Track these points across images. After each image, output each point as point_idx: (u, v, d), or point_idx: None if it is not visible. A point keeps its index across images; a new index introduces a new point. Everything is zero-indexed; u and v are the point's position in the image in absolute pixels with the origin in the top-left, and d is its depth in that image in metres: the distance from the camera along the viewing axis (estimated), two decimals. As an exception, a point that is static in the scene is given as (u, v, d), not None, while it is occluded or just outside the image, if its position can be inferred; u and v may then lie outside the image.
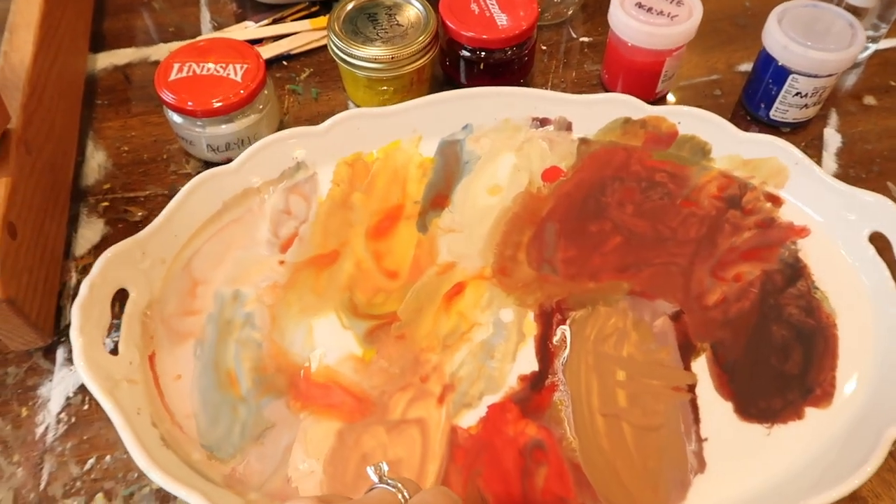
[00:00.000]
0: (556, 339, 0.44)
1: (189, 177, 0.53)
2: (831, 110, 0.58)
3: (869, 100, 0.59)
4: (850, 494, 0.39)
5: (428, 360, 0.44)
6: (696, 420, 0.41)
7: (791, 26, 0.52)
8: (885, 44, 0.62)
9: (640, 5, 0.53)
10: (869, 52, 0.61)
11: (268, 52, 0.60)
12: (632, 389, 0.42)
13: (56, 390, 0.43)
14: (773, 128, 0.56)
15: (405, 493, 0.32)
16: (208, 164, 0.54)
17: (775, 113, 0.55)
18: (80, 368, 0.39)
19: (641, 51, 0.54)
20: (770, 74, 0.53)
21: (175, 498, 0.40)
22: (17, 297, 0.41)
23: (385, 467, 0.34)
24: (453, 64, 0.57)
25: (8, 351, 0.45)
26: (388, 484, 0.33)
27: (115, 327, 0.44)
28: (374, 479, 0.34)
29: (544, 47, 0.63)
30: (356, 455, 0.40)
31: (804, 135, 0.56)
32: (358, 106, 0.57)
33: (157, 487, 0.40)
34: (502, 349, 0.44)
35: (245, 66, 0.51)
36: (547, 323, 0.45)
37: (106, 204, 0.52)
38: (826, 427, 0.41)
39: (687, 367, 0.43)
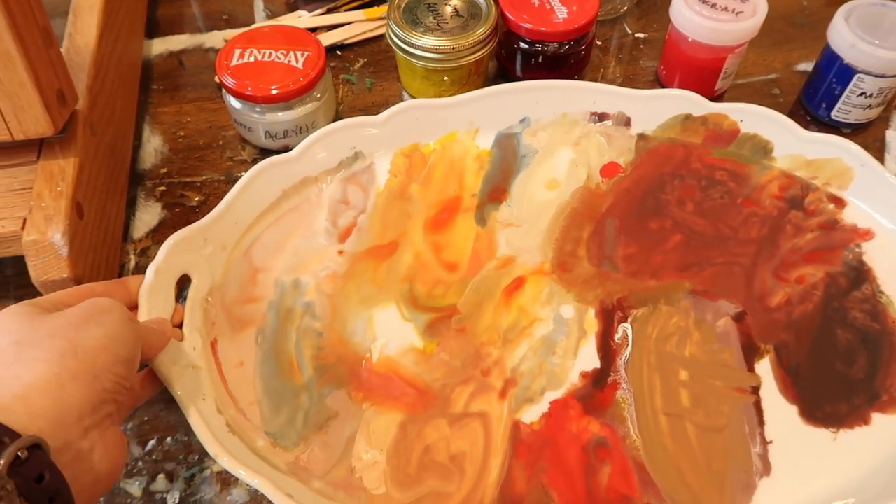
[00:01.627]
0: (617, 336, 0.44)
1: (245, 163, 0.54)
2: (894, 112, 0.57)
3: (931, 102, 0.58)
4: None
5: (489, 354, 0.43)
6: (761, 422, 0.41)
7: (858, 24, 0.51)
8: (947, 46, 0.61)
9: (703, 0, 0.52)
10: (932, 53, 0.60)
11: (323, 41, 0.60)
12: (695, 389, 0.42)
13: (118, 373, 0.44)
14: (834, 128, 0.55)
15: None
16: (264, 151, 0.54)
17: (837, 113, 0.54)
18: (147, 353, 0.40)
19: (703, 47, 0.53)
20: (834, 73, 0.53)
21: (235, 482, 0.40)
22: (83, 277, 0.41)
23: None
24: (510, 56, 0.57)
25: (70, 332, 0.45)
26: None
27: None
28: None
29: (599, 42, 0.62)
30: (419, 446, 0.40)
31: (865, 136, 0.55)
32: (413, 97, 0.57)
33: (218, 470, 0.40)
34: (563, 345, 0.44)
35: (306, 53, 0.51)
36: (608, 320, 0.45)
37: (163, 188, 0.52)
38: (894, 433, 0.40)
39: (750, 369, 0.43)
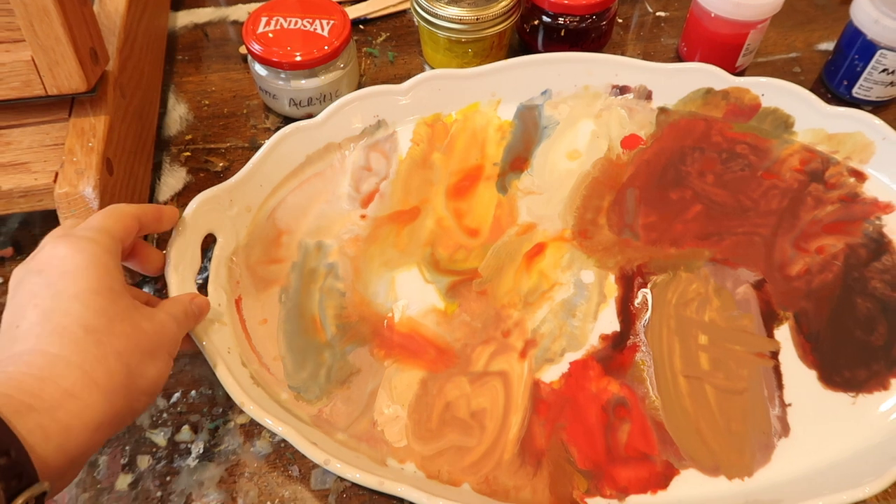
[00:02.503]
0: (637, 301, 0.44)
1: (269, 131, 0.54)
2: (914, 91, 0.57)
3: (953, 82, 0.58)
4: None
5: (509, 316, 0.44)
6: (780, 386, 0.41)
7: (882, 0, 0.51)
8: (969, 27, 0.61)
9: (727, -24, 0.53)
10: (954, 34, 0.60)
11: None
12: (714, 353, 0.42)
13: (144, 328, 0.44)
14: (855, 106, 0.55)
15: None
16: (288, 120, 0.54)
17: (858, 90, 0.54)
18: (174, 305, 0.40)
19: (726, 22, 0.53)
20: (856, 50, 0.53)
21: (258, 434, 0.41)
22: (115, 233, 0.41)
23: None
24: (532, 31, 0.57)
25: (97, 288, 0.46)
26: None
27: (200, 271, 0.45)
28: None
29: (620, 20, 0.62)
30: (440, 403, 0.41)
31: (886, 114, 0.55)
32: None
33: (242, 423, 0.41)
34: (583, 309, 0.44)
35: (331, 21, 0.52)
36: (628, 286, 0.45)
37: (188, 154, 0.53)
38: (914, 399, 0.41)
39: (770, 335, 0.43)
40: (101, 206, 0.41)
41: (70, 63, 0.40)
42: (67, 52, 0.40)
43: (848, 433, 0.39)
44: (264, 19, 0.52)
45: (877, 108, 0.56)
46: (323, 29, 0.51)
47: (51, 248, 0.33)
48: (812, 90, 0.57)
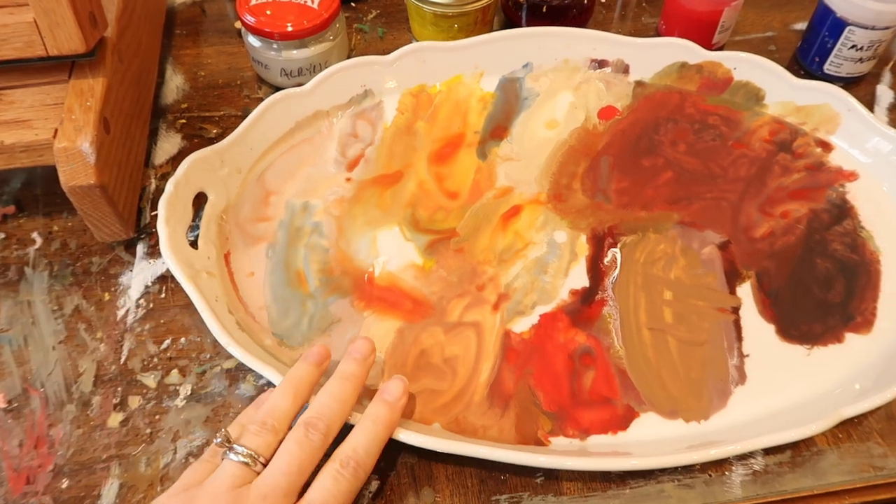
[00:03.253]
0: (606, 259, 0.47)
1: (261, 101, 0.56)
2: (885, 69, 0.59)
3: (924, 61, 0.60)
4: (889, 414, 0.41)
5: (484, 272, 0.46)
6: (739, 338, 0.43)
7: (851, -21, 0.53)
8: (942, 9, 0.63)
9: (702, -46, 0.55)
10: (926, 15, 0.62)
11: (338, -9, 0.63)
12: (678, 308, 0.44)
13: (136, 279, 0.47)
14: (827, 83, 0.57)
15: (261, 460, 0.34)
16: (280, 90, 0.56)
17: (829, 67, 0.56)
18: (165, 254, 0.43)
19: (702, 0, 0.55)
20: (827, 27, 0.55)
21: (243, 378, 0.43)
22: (109, 186, 0.44)
23: (228, 434, 0.35)
24: (516, 7, 0.60)
25: (93, 242, 0.48)
26: (239, 456, 0.34)
27: (192, 229, 0.47)
28: (221, 451, 0.35)
29: (603, 0, 0.64)
30: (415, 350, 0.43)
31: (856, 90, 0.57)
32: (422, 44, 0.60)
33: (227, 367, 0.43)
34: (555, 266, 0.46)
35: (321, -5, 0.54)
36: (598, 245, 0.47)
37: (183, 121, 0.55)
38: (865, 350, 0.43)
39: (732, 292, 0.45)
40: (98, 161, 0.43)
41: (70, 25, 0.43)
42: (67, 15, 0.42)
43: (801, 382, 0.41)
44: (257, -8, 0.54)
45: (847, 83, 0.57)
46: (313, 2, 0.54)
47: None
48: (787, 68, 0.59)
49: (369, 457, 0.35)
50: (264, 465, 0.34)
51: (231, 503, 0.32)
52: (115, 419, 0.41)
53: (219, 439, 0.35)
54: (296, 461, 0.34)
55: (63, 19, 0.42)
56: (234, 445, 0.34)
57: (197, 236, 0.46)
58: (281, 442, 0.35)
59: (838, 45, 0.55)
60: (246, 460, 0.34)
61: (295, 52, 0.54)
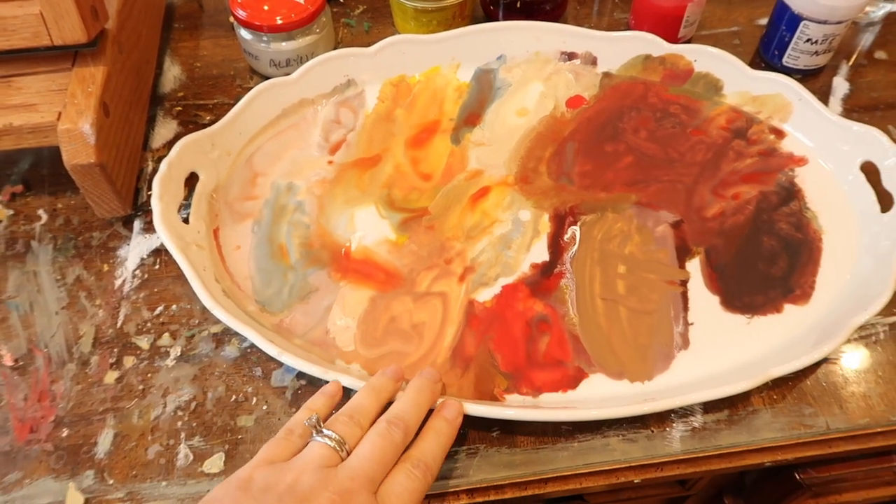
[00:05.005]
0: (566, 236, 0.50)
1: (252, 90, 0.60)
2: (843, 62, 0.62)
3: (880, 54, 0.63)
4: (822, 378, 0.44)
5: (452, 247, 0.50)
6: (686, 308, 0.47)
7: (805, -23, 0.56)
8: (901, 5, 0.66)
9: (666, -47, 0.58)
10: (884, 11, 0.65)
11: (327, -12, 0.67)
12: (630, 281, 0.48)
13: (133, 252, 0.51)
14: (786, 74, 0.60)
15: (346, 446, 0.36)
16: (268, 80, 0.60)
17: (788, 59, 0.60)
18: (158, 227, 0.47)
19: (666, -4, 0.59)
20: (784, 22, 0.58)
21: (228, 341, 0.47)
22: (108, 165, 0.48)
23: (317, 420, 0.38)
24: (493, 3, 0.63)
25: (94, 219, 0.52)
26: (326, 438, 0.36)
27: (184, 207, 0.51)
28: (312, 431, 0.37)
29: (578, -4, 0.68)
30: (386, 317, 0.47)
31: (814, 82, 0.61)
32: (405, 37, 0.63)
33: (214, 332, 0.47)
34: (518, 242, 0.50)
35: (308, -10, 0.58)
36: (560, 223, 0.51)
37: (179, 108, 0.59)
38: (801, 320, 0.46)
39: (681, 266, 0.49)
40: (98, 141, 0.47)
41: (73, 17, 0.47)
42: (71, 8, 0.46)
43: (740, 348, 0.45)
44: (248, -12, 0.58)
45: (806, 76, 0.61)
46: (300, -3, 0.57)
47: None
48: (750, 61, 0.63)
49: (436, 463, 0.37)
50: (348, 454, 0.36)
51: (320, 480, 0.34)
52: (111, 377, 0.45)
53: (310, 421, 0.37)
54: (379, 451, 0.35)
55: (67, 12, 0.46)
56: (325, 430, 0.36)
57: (189, 213, 0.50)
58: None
59: (795, 39, 0.58)
60: (334, 445, 0.35)
61: (283, 44, 0.58)
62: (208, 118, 0.59)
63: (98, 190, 0.49)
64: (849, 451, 0.43)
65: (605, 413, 0.41)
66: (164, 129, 0.58)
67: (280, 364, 0.45)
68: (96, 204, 0.50)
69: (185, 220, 0.50)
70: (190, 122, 0.59)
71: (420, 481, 0.36)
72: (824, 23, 0.56)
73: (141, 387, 0.45)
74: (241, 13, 0.57)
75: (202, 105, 0.60)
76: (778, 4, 0.59)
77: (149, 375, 0.45)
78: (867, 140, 0.51)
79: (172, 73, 0.62)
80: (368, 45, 0.64)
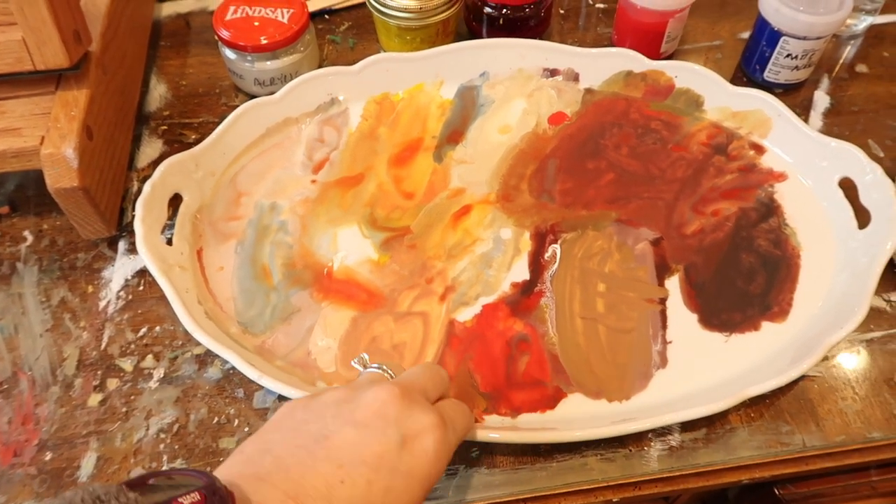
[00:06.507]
0: (547, 254, 0.51)
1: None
2: (824, 76, 0.62)
3: (861, 68, 0.63)
4: (799, 396, 0.45)
5: (434, 266, 0.50)
6: (664, 326, 0.47)
7: (786, -8, 0.57)
8: (882, 18, 0.66)
9: (647, -30, 0.58)
10: (865, 24, 0.65)
11: (312, 5, 0.67)
12: (610, 299, 0.48)
13: (117, 273, 0.51)
14: (767, 89, 0.60)
15: (390, 372, 0.39)
16: (255, 98, 0.61)
17: (769, 74, 0.60)
18: (141, 250, 0.47)
19: (647, 12, 0.59)
20: (765, 37, 0.58)
21: (211, 362, 0.47)
22: (91, 188, 0.48)
23: (366, 357, 0.40)
24: (477, 20, 0.64)
25: (79, 240, 0.53)
26: (374, 368, 0.39)
27: (168, 227, 0.51)
28: (360, 368, 0.40)
29: (562, 11, 0.68)
30: (367, 337, 0.47)
31: (795, 96, 0.61)
32: (389, 54, 0.64)
33: (197, 353, 0.48)
34: (499, 260, 0.50)
35: (291, 10, 0.58)
36: (540, 241, 0.51)
37: (165, 127, 0.60)
38: (778, 337, 0.46)
39: (661, 284, 0.49)
40: (80, 165, 0.47)
41: (55, 42, 0.47)
42: (52, 33, 0.47)
43: (717, 366, 0.45)
44: (232, 8, 0.58)
45: (787, 90, 0.61)
46: (283, 16, 0.58)
47: (424, 439, 0.33)
48: (732, 75, 0.63)
49: (466, 427, 0.38)
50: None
51: (378, 383, 0.35)
52: (94, 399, 0.46)
53: (360, 359, 0.41)
54: (427, 373, 0.38)
55: (49, 37, 0.47)
56: (372, 364, 0.39)
57: (173, 234, 0.50)
58: None
59: (775, 54, 0.58)
60: (379, 371, 0.38)
61: (268, 63, 0.58)
62: (193, 137, 0.59)
63: (82, 212, 0.49)
64: (825, 469, 0.44)
65: (584, 435, 0.41)
66: (150, 148, 0.59)
67: (262, 385, 0.46)
68: (80, 226, 0.51)
69: (170, 242, 0.50)
70: (175, 141, 0.59)
71: (466, 418, 0.38)
72: (804, 38, 0.56)
73: (124, 409, 0.45)
74: (224, 33, 0.57)
75: (187, 124, 0.60)
76: (758, 20, 0.59)
77: (132, 398, 0.46)
78: (845, 156, 0.51)
79: (158, 92, 0.62)
80: (353, 62, 0.64)
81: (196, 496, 0.27)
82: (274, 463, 0.31)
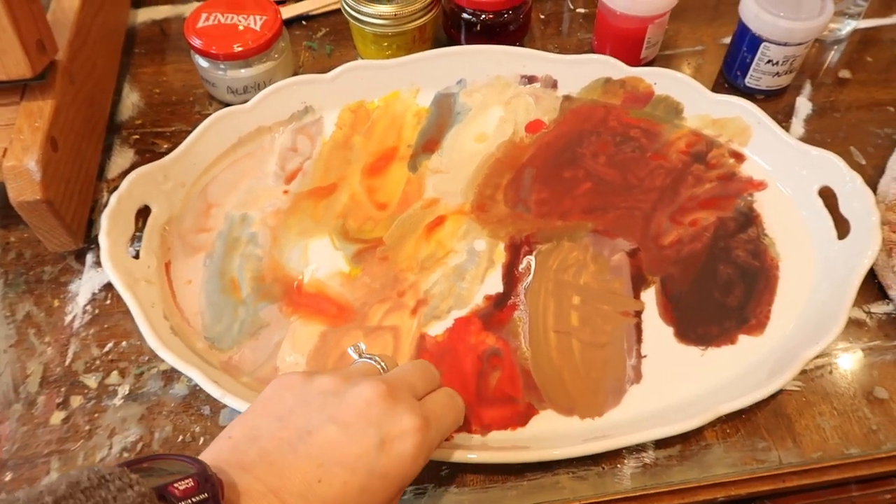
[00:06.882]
0: (521, 266, 0.50)
1: (211, 117, 0.60)
2: (806, 82, 0.62)
3: (845, 73, 0.62)
4: (776, 411, 0.44)
5: (406, 279, 0.49)
6: (639, 340, 0.46)
7: (767, -1, 0.56)
8: (867, 23, 0.66)
9: (626, -25, 0.57)
10: (849, 28, 0.64)
11: (288, 11, 0.66)
12: (584, 312, 0.47)
13: (84, 287, 0.50)
14: (749, 95, 0.60)
15: (383, 365, 0.39)
16: (229, 107, 0.60)
17: (750, 80, 0.59)
18: (105, 264, 0.46)
19: (627, 17, 0.58)
20: (746, 43, 0.58)
21: (177, 378, 0.46)
22: (56, 201, 0.47)
23: (363, 346, 0.41)
24: (455, 26, 0.63)
25: (46, 253, 0.52)
26: (367, 358, 0.39)
27: (137, 239, 0.50)
28: (355, 356, 0.41)
29: (543, 16, 0.67)
30: (336, 353, 0.46)
31: (777, 102, 0.60)
32: (366, 61, 0.63)
33: (164, 369, 0.47)
34: (473, 273, 0.49)
35: (264, 17, 0.57)
36: (515, 253, 0.50)
37: (136, 137, 0.59)
38: (755, 351, 0.45)
39: (636, 296, 0.48)
40: (44, 178, 0.46)
41: (16, 52, 0.46)
42: (14, 43, 0.46)
43: (693, 381, 0.44)
44: (204, 15, 0.57)
45: (769, 97, 0.60)
46: (256, 24, 0.57)
47: (402, 442, 0.33)
48: (714, 81, 0.62)
49: (455, 421, 0.39)
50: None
51: (367, 379, 0.35)
52: (57, 417, 0.45)
53: (355, 347, 0.41)
54: (417, 370, 0.39)
55: (10, 47, 0.46)
56: (367, 354, 0.40)
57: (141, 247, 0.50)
58: None
59: (756, 60, 0.57)
60: (372, 362, 0.39)
61: (241, 71, 0.57)
62: (165, 146, 0.58)
63: (46, 225, 0.48)
64: (802, 486, 0.43)
65: (556, 454, 0.40)
66: (121, 158, 0.58)
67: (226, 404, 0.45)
68: (46, 239, 0.50)
69: (137, 256, 0.49)
70: (147, 151, 0.58)
71: (456, 412, 0.38)
72: (784, 45, 0.55)
73: (87, 427, 0.44)
74: (196, 41, 0.56)
75: (160, 133, 0.59)
76: (739, 26, 0.58)
77: (95, 415, 0.45)
78: (825, 164, 0.50)
79: (131, 100, 0.62)
80: (331, 69, 0.63)
81: (190, 482, 0.28)
82: (259, 455, 0.32)
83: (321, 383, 0.35)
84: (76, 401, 0.46)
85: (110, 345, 0.48)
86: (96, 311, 0.49)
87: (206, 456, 0.33)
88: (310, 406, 0.34)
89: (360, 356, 0.40)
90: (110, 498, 0.26)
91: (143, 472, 0.29)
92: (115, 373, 0.47)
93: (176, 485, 0.28)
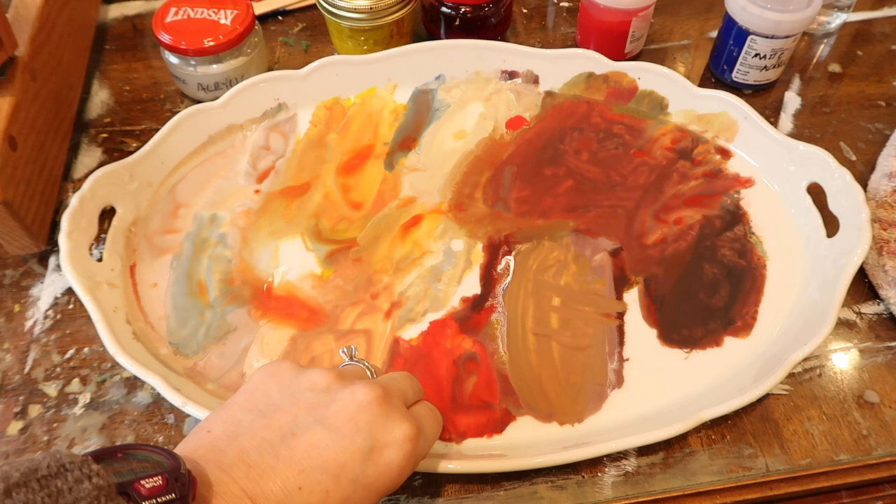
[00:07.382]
0: (500, 267, 0.48)
1: (182, 115, 0.58)
2: (795, 76, 0.60)
3: (834, 67, 0.61)
4: (763, 416, 0.42)
5: (380, 281, 0.47)
6: (621, 343, 0.44)
7: (752, -10, 0.54)
8: (857, 16, 0.64)
9: (608, -33, 0.56)
10: (839, 21, 0.63)
11: (264, 6, 0.65)
12: (565, 314, 0.46)
13: (46, 291, 0.48)
14: (736, 90, 0.58)
15: (373, 370, 0.38)
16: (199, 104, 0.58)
17: (737, 74, 0.58)
18: (64, 268, 0.44)
19: (610, 11, 0.57)
20: (732, 37, 0.56)
21: (141, 386, 0.44)
22: (14, 202, 0.45)
23: (355, 349, 0.40)
24: (434, 21, 0.61)
25: (7, 256, 0.50)
26: (358, 362, 0.38)
27: (101, 241, 0.49)
28: (346, 358, 0.40)
29: (525, 10, 0.66)
30: (306, 358, 0.44)
31: (766, 97, 0.59)
32: (343, 57, 0.61)
33: (127, 377, 0.45)
34: (449, 274, 0.48)
35: (235, 11, 0.55)
36: (493, 253, 0.48)
37: (105, 135, 0.57)
38: (742, 353, 0.44)
39: (619, 297, 0.46)
40: (2, 179, 0.44)
41: (-30, 48, 0.44)
42: (-32, 38, 0.44)
43: (676, 386, 0.43)
44: (173, 9, 0.56)
45: (757, 91, 0.59)
46: (227, 18, 0.55)
47: (391, 452, 0.32)
48: (701, 76, 0.61)
49: (436, 436, 0.37)
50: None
51: (361, 381, 0.34)
52: (14, 427, 0.43)
53: (347, 350, 0.40)
54: (406, 379, 0.37)
55: (-37, 42, 0.44)
56: (358, 358, 0.39)
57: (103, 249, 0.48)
58: None
59: (743, 54, 0.56)
60: (362, 366, 0.38)
61: (212, 66, 0.55)
62: (134, 145, 0.56)
63: (5, 227, 0.47)
64: (790, 493, 0.41)
65: (535, 463, 0.38)
66: (88, 157, 0.56)
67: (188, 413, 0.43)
68: (6, 241, 0.48)
69: (100, 259, 0.47)
70: (115, 150, 0.56)
71: (437, 424, 0.37)
72: (772, 37, 0.54)
73: (46, 438, 0.43)
74: (165, 37, 0.54)
75: (129, 131, 0.57)
76: (725, 19, 0.57)
77: (55, 425, 0.43)
78: (813, 161, 0.49)
79: (100, 98, 0.60)
80: (306, 63, 0.61)
81: (158, 480, 0.27)
82: (238, 455, 0.30)
83: (312, 378, 0.34)
84: (35, 410, 0.44)
85: (72, 351, 0.46)
86: (58, 317, 0.47)
87: (184, 448, 0.31)
88: (297, 403, 0.32)
89: (351, 358, 0.39)
90: (65, 489, 0.24)
91: (115, 461, 0.28)
92: (76, 380, 0.45)
93: (143, 482, 0.26)
